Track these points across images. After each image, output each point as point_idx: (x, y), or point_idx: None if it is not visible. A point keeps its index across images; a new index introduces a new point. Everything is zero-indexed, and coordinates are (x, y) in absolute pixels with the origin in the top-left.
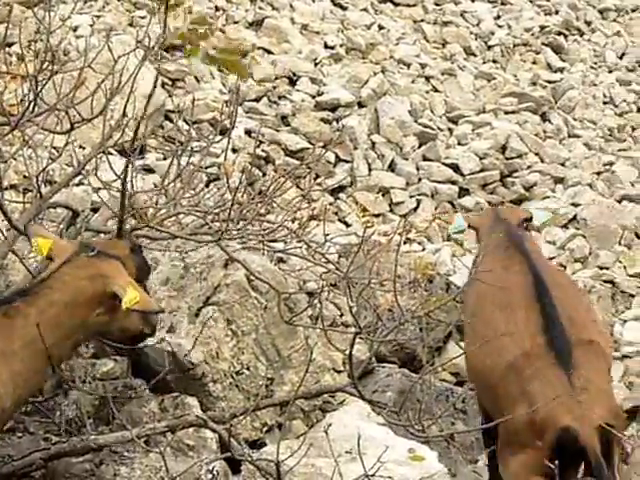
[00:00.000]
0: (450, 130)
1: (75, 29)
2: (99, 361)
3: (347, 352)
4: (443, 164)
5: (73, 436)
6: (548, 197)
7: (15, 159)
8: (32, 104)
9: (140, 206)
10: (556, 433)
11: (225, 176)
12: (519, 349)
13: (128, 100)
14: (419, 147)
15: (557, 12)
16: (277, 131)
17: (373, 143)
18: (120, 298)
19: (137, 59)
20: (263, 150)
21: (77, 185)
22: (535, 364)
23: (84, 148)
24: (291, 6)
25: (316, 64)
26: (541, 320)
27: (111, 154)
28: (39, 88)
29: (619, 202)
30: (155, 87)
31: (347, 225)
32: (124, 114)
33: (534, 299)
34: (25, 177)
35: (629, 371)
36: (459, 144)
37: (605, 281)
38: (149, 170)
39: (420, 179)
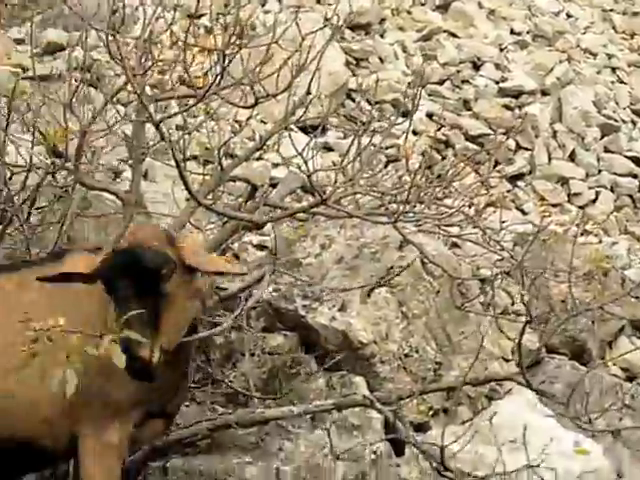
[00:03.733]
0: (634, 122)
1: (263, 4)
2: (269, 335)
3: (517, 341)
4: (625, 157)
5: (240, 408)
6: None
7: (198, 131)
8: (219, 77)
9: (319, 184)
10: None
11: (404, 158)
12: None
13: (313, 78)
14: (601, 138)
15: None
16: (459, 115)
17: (555, 132)
18: None
19: (324, 37)
20: (443, 134)
21: (257, 160)
22: None
23: (265, 123)
24: None
25: (501, 50)
26: None
27: (293, 131)
28: (226, 62)
29: None
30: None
31: (524, 213)
32: (308, 91)
33: None
34: (207, 149)
35: None
36: None
37: None
38: (329, 148)
39: (600, 171)
